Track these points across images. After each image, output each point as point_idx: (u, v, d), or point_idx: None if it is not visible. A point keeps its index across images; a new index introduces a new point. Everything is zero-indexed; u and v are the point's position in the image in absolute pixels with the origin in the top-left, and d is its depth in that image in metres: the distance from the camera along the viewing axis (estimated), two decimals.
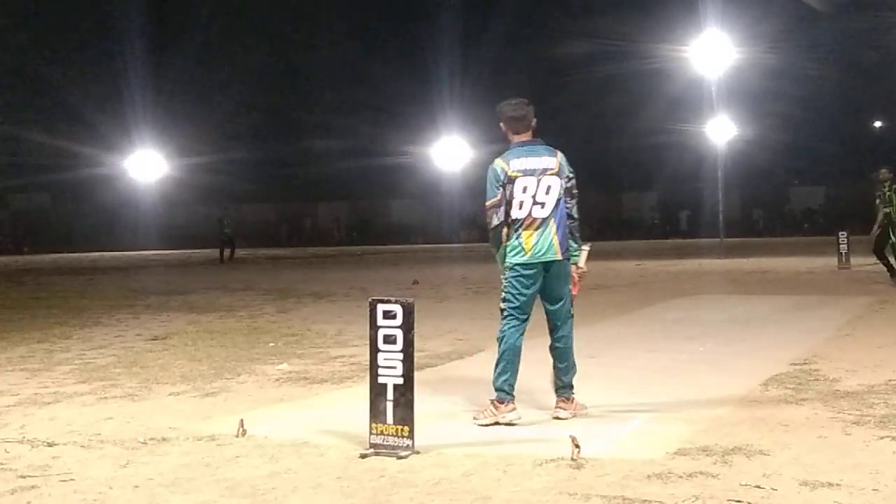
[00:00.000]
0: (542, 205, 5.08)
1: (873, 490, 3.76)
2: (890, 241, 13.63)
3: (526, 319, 5.13)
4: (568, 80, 40.52)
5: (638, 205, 47.01)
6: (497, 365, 5.10)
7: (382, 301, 4.53)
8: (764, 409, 5.30)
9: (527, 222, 5.06)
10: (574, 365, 5.28)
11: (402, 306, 4.49)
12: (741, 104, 32.43)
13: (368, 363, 4.58)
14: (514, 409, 5.03)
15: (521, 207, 5.07)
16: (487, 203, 5.12)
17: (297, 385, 6.55)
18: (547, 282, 5.14)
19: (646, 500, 3.69)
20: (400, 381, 4.45)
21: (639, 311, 11.08)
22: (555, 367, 5.25)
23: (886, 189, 13.47)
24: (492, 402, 5.07)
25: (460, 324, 9.95)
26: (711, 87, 26.68)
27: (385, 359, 4.49)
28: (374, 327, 4.52)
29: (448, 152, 41.28)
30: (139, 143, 40.30)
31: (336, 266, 23.11)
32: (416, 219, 47.81)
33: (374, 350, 4.52)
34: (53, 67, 39.61)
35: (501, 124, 5.28)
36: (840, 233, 17.59)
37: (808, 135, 39.38)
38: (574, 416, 5.14)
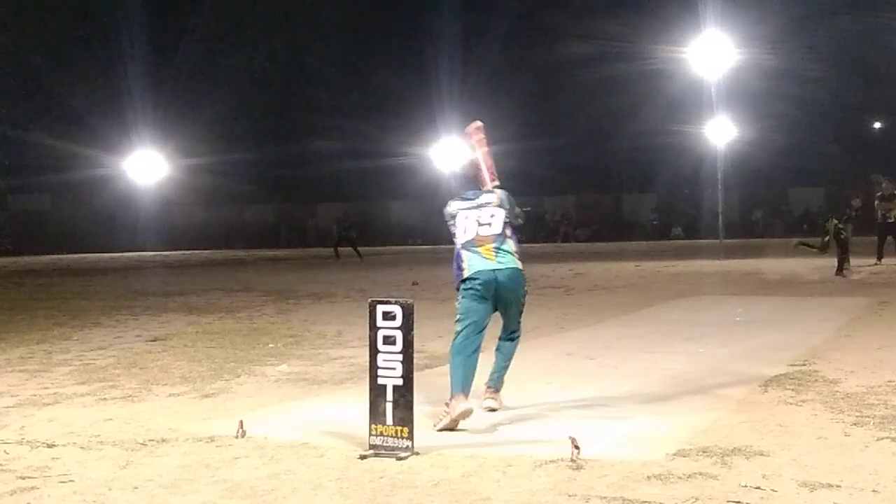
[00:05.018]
0: (489, 224, 5.42)
1: (873, 491, 3.76)
2: None
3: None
4: (567, 82, 40.50)
5: (637, 206, 46.96)
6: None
7: (382, 302, 4.54)
8: (763, 411, 5.30)
9: (478, 241, 5.33)
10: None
11: (402, 307, 4.50)
12: (741, 105, 32.39)
13: (368, 364, 4.58)
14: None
15: (465, 232, 5.40)
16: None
17: (297, 386, 6.56)
18: (501, 290, 5.32)
19: (645, 502, 3.69)
20: (399, 382, 4.46)
21: (638, 312, 11.08)
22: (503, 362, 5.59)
23: None
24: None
25: None
26: (711, 88, 26.67)
27: (384, 360, 4.50)
28: (373, 328, 4.53)
29: (448, 153, 41.24)
30: (139, 144, 40.25)
31: (335, 267, 23.10)
32: (416, 220, 47.73)
33: (374, 351, 4.53)
34: (53, 68, 39.59)
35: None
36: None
37: (808, 136, 39.33)
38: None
